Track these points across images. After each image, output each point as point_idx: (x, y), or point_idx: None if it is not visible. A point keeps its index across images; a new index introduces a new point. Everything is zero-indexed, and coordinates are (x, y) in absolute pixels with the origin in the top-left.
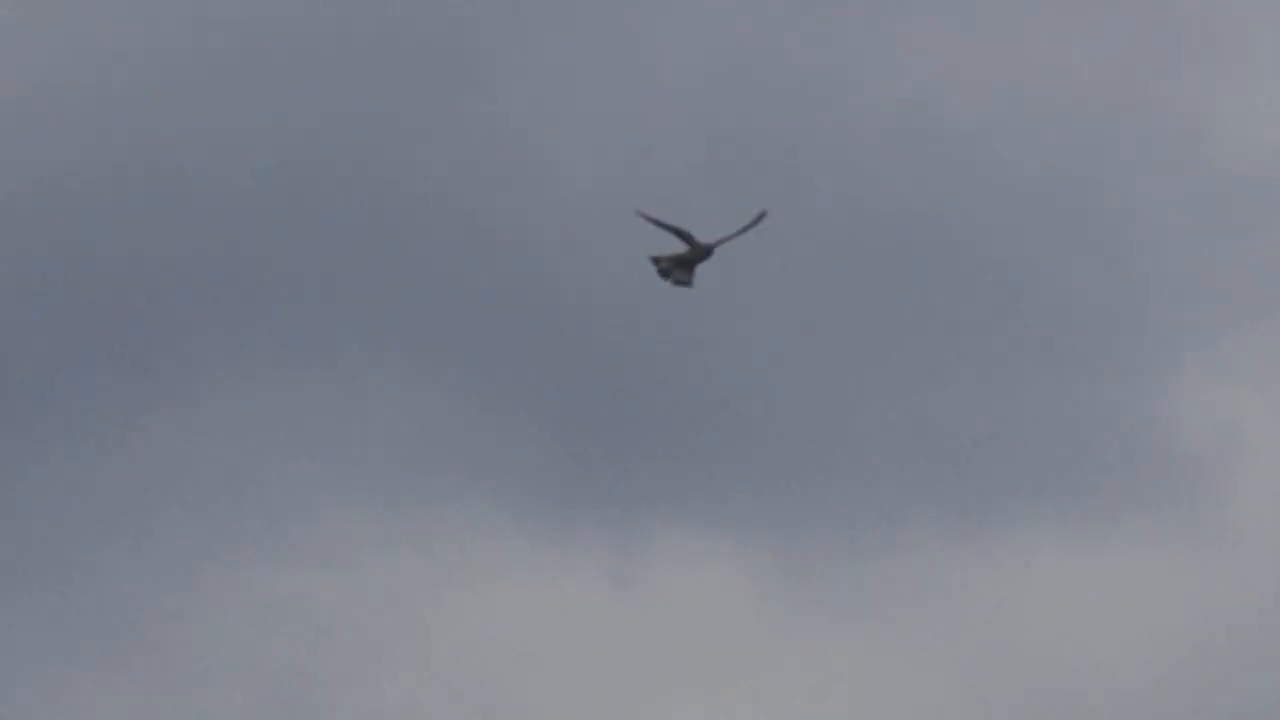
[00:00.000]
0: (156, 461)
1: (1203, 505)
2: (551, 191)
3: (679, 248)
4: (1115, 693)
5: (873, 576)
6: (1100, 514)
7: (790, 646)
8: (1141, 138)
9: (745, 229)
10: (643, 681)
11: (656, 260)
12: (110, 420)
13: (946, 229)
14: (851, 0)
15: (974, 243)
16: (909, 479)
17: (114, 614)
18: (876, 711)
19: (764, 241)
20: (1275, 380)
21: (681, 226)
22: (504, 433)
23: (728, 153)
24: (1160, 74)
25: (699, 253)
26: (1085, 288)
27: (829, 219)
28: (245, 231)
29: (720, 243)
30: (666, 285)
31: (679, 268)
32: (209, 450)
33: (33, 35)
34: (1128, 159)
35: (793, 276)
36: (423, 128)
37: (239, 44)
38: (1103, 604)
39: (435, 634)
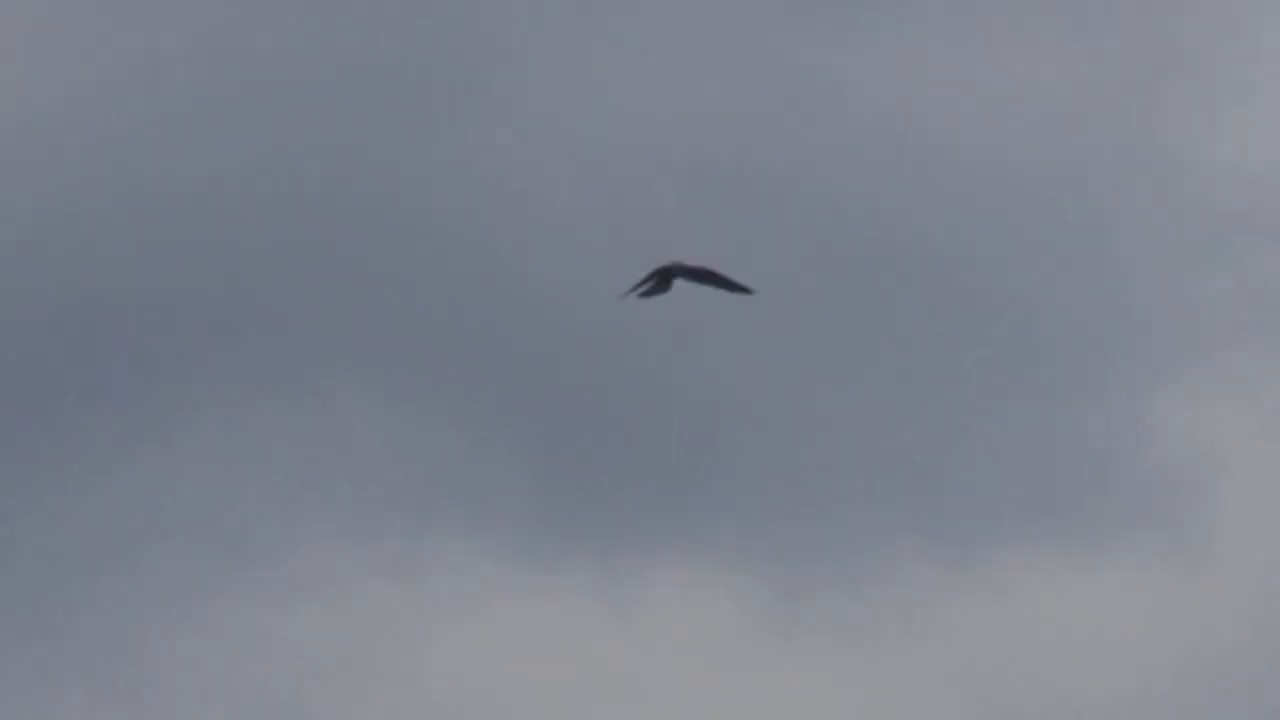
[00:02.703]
0: (142, 494)
1: (1184, 526)
2: (540, 222)
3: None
4: (1102, 714)
5: (861, 602)
6: (1083, 537)
7: (781, 672)
8: (1122, 166)
9: (722, 285)
10: (635, 708)
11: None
12: (97, 453)
13: (929, 256)
14: (834, 26)
15: (957, 270)
16: (895, 506)
17: (101, 646)
18: None
19: (748, 271)
20: (1251, 403)
21: (656, 271)
22: (494, 462)
23: (709, 181)
24: (1142, 104)
25: (674, 276)
26: (1066, 313)
27: (810, 249)
28: (230, 263)
29: (695, 273)
30: (655, 319)
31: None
32: (195, 482)
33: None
34: (1108, 187)
35: (777, 307)
36: (410, 159)
37: (223, 79)
38: (1087, 625)
39: (424, 665)
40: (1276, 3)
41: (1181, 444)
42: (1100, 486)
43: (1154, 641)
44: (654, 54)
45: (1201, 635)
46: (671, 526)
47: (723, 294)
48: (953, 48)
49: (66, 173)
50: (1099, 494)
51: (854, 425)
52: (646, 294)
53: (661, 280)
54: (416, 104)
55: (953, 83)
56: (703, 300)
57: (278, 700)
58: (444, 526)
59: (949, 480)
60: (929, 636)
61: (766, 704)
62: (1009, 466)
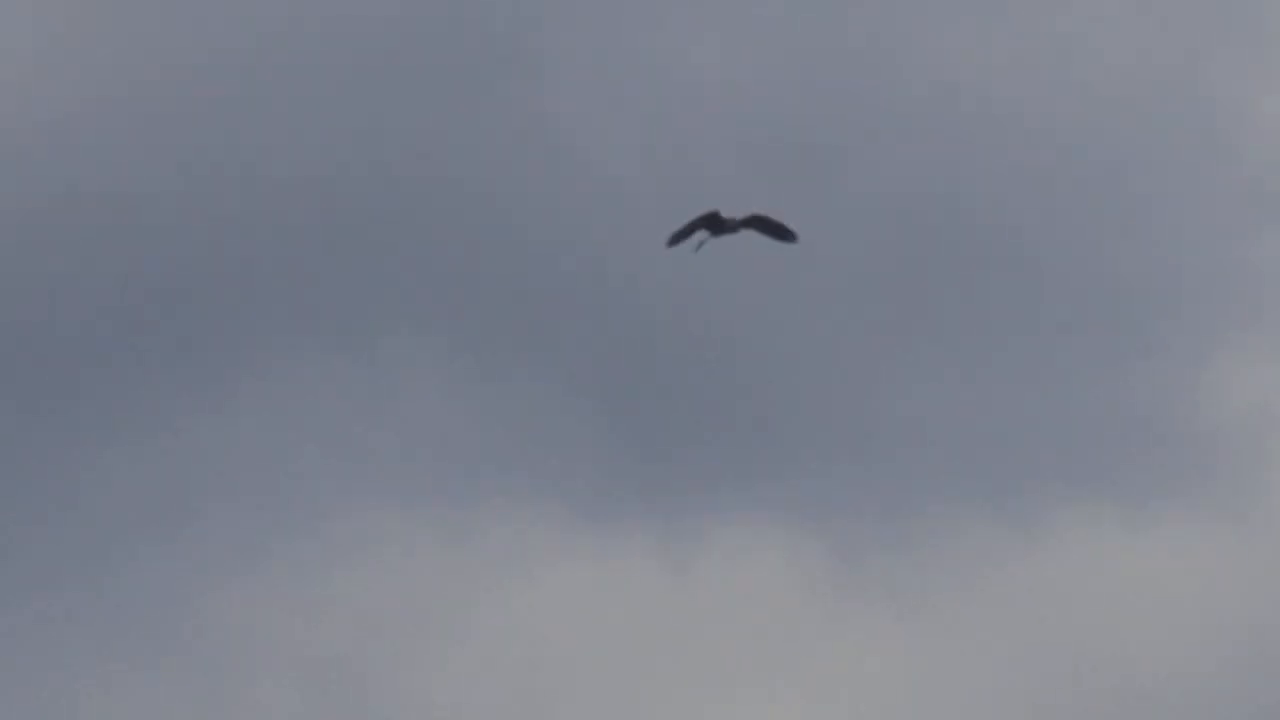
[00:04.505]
0: (197, 458)
1: (1238, 487)
2: (598, 185)
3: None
4: (1156, 670)
5: (917, 563)
6: (1139, 499)
7: (838, 631)
8: (1182, 129)
9: (775, 235)
10: (693, 666)
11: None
12: (152, 418)
13: (983, 218)
14: None
15: (1015, 235)
16: (952, 468)
17: (157, 611)
18: (924, 694)
19: (803, 235)
20: None
21: (702, 216)
22: (550, 424)
23: (769, 142)
24: (1203, 67)
25: (724, 229)
26: (1121, 276)
27: (863, 211)
28: (288, 227)
29: (744, 223)
30: (714, 280)
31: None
32: (251, 447)
33: (55, 49)
34: (1166, 149)
35: (835, 269)
36: (470, 118)
37: (277, 42)
38: (1142, 586)
39: (482, 625)
40: None
41: (1237, 406)
42: (1156, 448)
43: (1209, 601)
44: (714, 13)
45: (1256, 595)
46: (730, 487)
47: (778, 254)
48: (1006, 11)
49: (111, 138)
50: (1155, 456)
51: (913, 387)
52: (695, 246)
53: (711, 228)
54: (478, 65)
55: (1006, 46)
56: (765, 263)
57: (333, 661)
58: (501, 488)
59: (1006, 442)
60: (984, 596)
61: (822, 663)
62: (1066, 429)
